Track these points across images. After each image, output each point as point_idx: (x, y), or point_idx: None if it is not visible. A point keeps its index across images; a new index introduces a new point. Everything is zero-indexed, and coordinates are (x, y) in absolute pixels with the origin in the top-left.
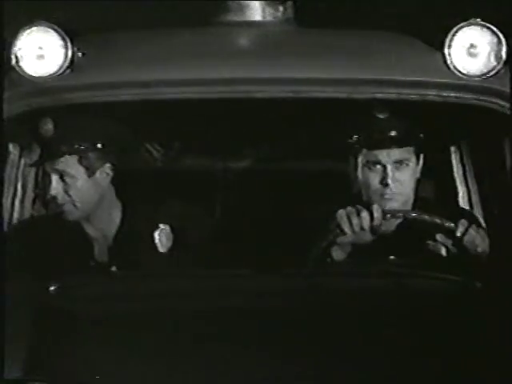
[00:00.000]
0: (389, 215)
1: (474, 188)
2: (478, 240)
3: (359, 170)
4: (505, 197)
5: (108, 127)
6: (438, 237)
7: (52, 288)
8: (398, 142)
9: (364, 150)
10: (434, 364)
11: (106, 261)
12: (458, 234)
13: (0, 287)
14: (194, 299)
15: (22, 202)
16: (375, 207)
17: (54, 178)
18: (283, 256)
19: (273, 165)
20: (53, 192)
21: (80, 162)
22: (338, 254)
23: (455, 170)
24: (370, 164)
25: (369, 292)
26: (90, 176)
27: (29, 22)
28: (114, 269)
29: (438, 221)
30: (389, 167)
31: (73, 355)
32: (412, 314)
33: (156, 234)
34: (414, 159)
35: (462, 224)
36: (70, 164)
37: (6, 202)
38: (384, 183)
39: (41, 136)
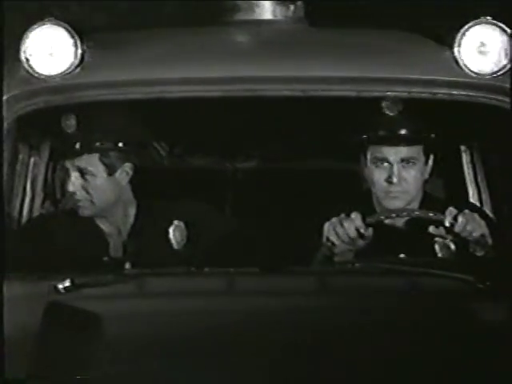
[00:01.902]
0: (382, 217)
1: (484, 186)
2: (470, 225)
3: (367, 167)
4: None
5: (130, 126)
6: (431, 229)
7: (65, 285)
8: (406, 140)
9: (372, 147)
10: (440, 363)
11: (119, 257)
12: (447, 224)
13: (0, 287)
14: (205, 296)
15: (32, 200)
16: (353, 215)
17: (74, 174)
18: (292, 255)
19: (282, 164)
20: (71, 188)
21: (101, 159)
22: (340, 260)
23: (465, 168)
24: (377, 161)
25: (374, 291)
26: (109, 174)
27: (39, 20)
28: (127, 265)
29: (426, 214)
30: (395, 165)
31: (84, 353)
32: (419, 313)
33: (170, 231)
34: (422, 159)
35: (450, 212)
36: (91, 161)
37: (16, 201)
38: (390, 181)
39: (63, 131)
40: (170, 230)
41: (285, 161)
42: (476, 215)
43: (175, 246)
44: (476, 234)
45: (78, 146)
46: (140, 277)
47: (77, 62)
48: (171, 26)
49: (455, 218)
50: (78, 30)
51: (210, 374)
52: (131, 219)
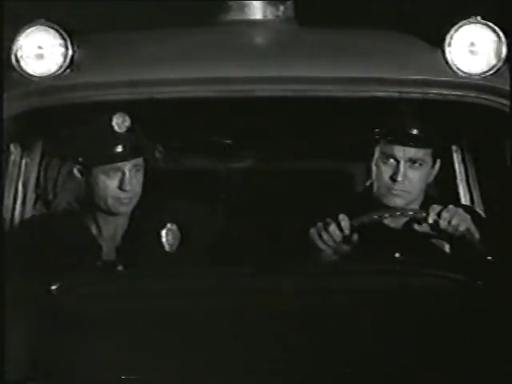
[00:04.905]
0: (365, 220)
1: (475, 186)
2: (455, 220)
3: (373, 161)
4: (506, 195)
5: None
6: (416, 227)
7: (58, 287)
8: (416, 141)
9: (382, 142)
10: (436, 362)
11: (112, 260)
12: (430, 220)
13: (0, 287)
14: (198, 298)
15: (24, 201)
16: (340, 217)
17: (128, 172)
18: (286, 255)
19: (276, 164)
20: (127, 187)
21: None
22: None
23: (456, 168)
24: (384, 157)
25: (372, 291)
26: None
27: (29, 21)
28: (120, 268)
29: (408, 213)
30: (402, 163)
31: (78, 355)
32: (414, 313)
33: (163, 233)
34: (429, 162)
35: (433, 209)
36: (141, 158)
37: (8, 202)
38: (394, 178)
39: (112, 131)
40: (163, 233)
41: (279, 161)
42: (460, 210)
43: (168, 248)
44: (462, 229)
45: (139, 145)
46: (134, 277)
47: (67, 63)
48: (162, 27)
49: (439, 215)
50: (69, 31)
51: (206, 374)
52: (126, 221)
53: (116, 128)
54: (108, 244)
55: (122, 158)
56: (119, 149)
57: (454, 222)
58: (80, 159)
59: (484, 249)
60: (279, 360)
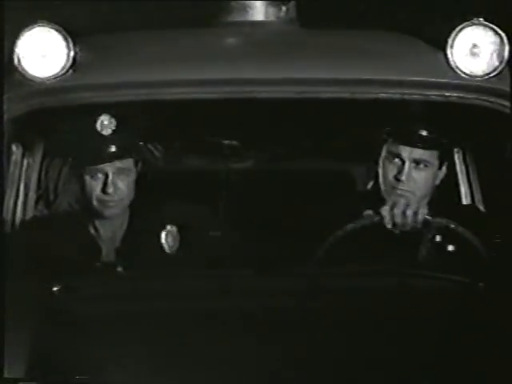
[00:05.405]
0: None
1: (476, 187)
2: (409, 211)
3: (380, 160)
4: (508, 196)
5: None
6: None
7: (58, 288)
8: (423, 142)
9: (389, 142)
10: (436, 364)
11: (112, 261)
12: (387, 221)
13: (0, 287)
14: (199, 299)
15: (25, 202)
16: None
17: (112, 175)
18: (286, 256)
19: (276, 165)
20: (110, 190)
21: (134, 160)
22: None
23: (458, 169)
24: (391, 156)
25: (371, 292)
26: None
27: (31, 22)
28: (120, 269)
29: (369, 219)
30: (407, 163)
31: (77, 355)
32: (414, 314)
33: (163, 235)
34: (436, 164)
35: (384, 210)
36: (129, 162)
37: (9, 203)
38: (398, 178)
39: (97, 133)
40: (163, 235)
41: (280, 163)
42: (442, 206)
43: (167, 250)
44: (420, 217)
45: (121, 146)
46: (134, 279)
47: (69, 64)
48: (164, 28)
49: (392, 214)
50: (71, 32)
51: (206, 376)
52: (126, 223)
53: (100, 130)
54: (107, 245)
55: (104, 159)
56: (102, 150)
57: (408, 213)
58: (69, 160)
59: (485, 248)
60: (279, 361)
